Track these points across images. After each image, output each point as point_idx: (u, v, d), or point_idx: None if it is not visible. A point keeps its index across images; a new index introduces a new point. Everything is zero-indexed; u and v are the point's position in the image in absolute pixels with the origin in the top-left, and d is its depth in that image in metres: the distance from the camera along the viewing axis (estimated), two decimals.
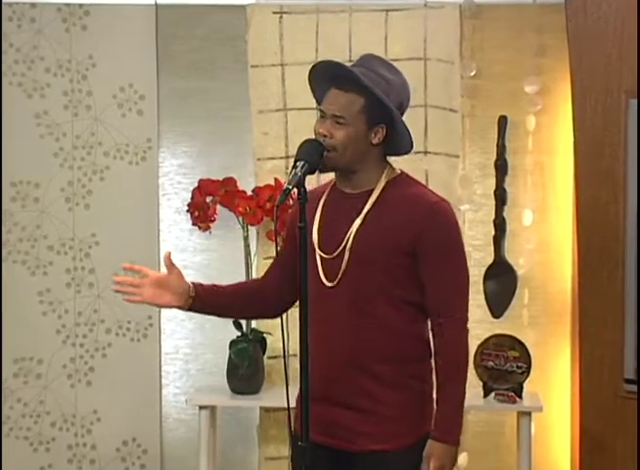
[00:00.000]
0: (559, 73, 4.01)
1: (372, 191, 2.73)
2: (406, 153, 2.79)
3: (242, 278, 4.00)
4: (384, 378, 2.70)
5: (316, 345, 2.64)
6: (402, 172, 2.80)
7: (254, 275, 3.98)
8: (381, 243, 2.69)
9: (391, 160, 2.80)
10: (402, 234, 2.68)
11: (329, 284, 2.72)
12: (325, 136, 2.68)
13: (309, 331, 2.56)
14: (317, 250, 2.73)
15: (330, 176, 2.82)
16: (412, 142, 2.76)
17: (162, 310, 4.26)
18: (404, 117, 2.74)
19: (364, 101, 2.68)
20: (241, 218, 3.99)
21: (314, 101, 2.80)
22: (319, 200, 2.79)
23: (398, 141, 2.75)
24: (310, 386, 2.59)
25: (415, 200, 2.72)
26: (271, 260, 2.97)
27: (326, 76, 2.73)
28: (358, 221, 2.71)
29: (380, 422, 2.71)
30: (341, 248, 2.70)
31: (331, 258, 2.72)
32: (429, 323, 2.77)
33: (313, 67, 2.76)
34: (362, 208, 2.72)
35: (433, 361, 2.75)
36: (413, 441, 2.72)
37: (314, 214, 2.77)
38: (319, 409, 2.67)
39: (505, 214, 4.10)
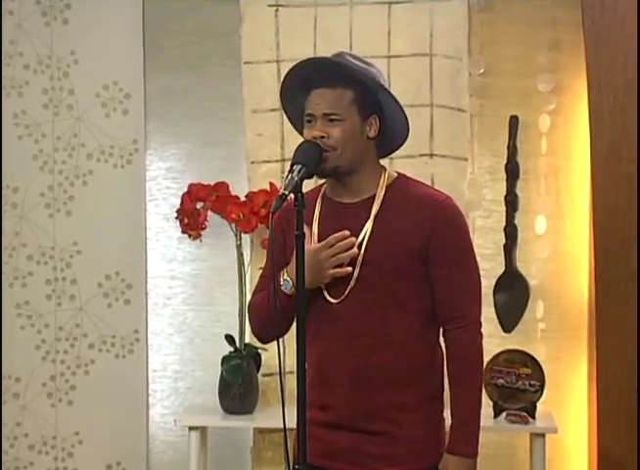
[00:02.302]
0: (574, 70, 4.02)
1: (373, 198, 2.74)
2: (405, 139, 2.79)
3: (235, 289, 4.01)
4: (399, 400, 2.71)
5: (324, 366, 2.68)
6: (400, 175, 2.81)
7: (249, 286, 3.98)
8: (393, 250, 2.69)
9: (396, 163, 2.81)
10: (412, 239, 2.70)
11: (334, 301, 2.73)
12: (322, 137, 2.69)
13: (313, 352, 2.57)
14: (314, 239, 2.73)
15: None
16: (408, 124, 2.76)
17: (150, 324, 4.26)
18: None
19: (352, 92, 2.70)
20: (233, 226, 3.99)
21: None
22: (312, 211, 2.78)
23: (393, 129, 2.76)
24: (316, 410, 2.61)
25: (421, 201, 2.73)
26: None
27: (301, 80, 2.72)
28: (367, 229, 2.72)
29: (393, 444, 2.71)
30: (349, 261, 2.71)
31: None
32: (437, 334, 2.78)
33: (286, 75, 2.76)
34: (367, 216, 2.72)
35: (443, 375, 2.77)
36: (429, 464, 2.74)
37: (309, 226, 2.76)
38: (325, 433, 2.70)
39: (516, 221, 4.11)
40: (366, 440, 2.71)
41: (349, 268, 2.70)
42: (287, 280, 2.70)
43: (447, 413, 2.79)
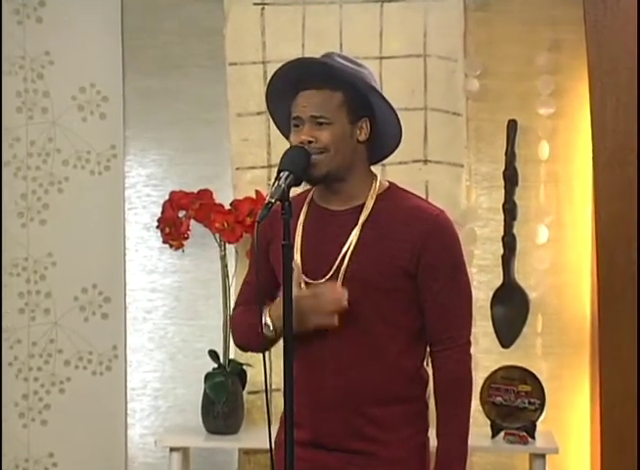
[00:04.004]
0: (575, 72, 4.02)
1: (362, 206, 2.73)
2: (397, 144, 2.78)
3: (219, 302, 4.00)
4: (381, 419, 2.71)
5: (305, 382, 2.67)
6: (391, 184, 2.80)
7: (233, 299, 3.97)
8: (379, 264, 2.68)
9: (388, 170, 2.81)
10: (401, 254, 2.68)
11: None
12: (310, 142, 2.67)
13: (295, 367, 2.56)
14: (302, 275, 2.71)
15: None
16: (401, 128, 2.75)
17: (129, 339, 4.25)
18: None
19: (341, 94, 2.69)
20: (217, 235, 3.99)
21: None
22: (297, 217, 2.76)
23: (385, 133, 2.74)
24: (298, 428, 2.60)
25: (412, 214, 2.72)
26: None
27: (288, 82, 2.71)
28: (353, 238, 2.71)
29: (376, 464, 2.71)
30: (332, 272, 2.69)
31: (319, 284, 2.71)
32: (423, 351, 2.78)
33: (272, 77, 2.75)
34: (354, 225, 2.71)
35: (427, 394, 2.77)
36: None
37: (293, 233, 2.74)
38: (306, 453, 2.68)
39: (515, 231, 4.11)
40: (347, 459, 2.71)
41: (336, 322, 2.64)
42: (267, 325, 2.68)
43: (430, 433, 2.79)
